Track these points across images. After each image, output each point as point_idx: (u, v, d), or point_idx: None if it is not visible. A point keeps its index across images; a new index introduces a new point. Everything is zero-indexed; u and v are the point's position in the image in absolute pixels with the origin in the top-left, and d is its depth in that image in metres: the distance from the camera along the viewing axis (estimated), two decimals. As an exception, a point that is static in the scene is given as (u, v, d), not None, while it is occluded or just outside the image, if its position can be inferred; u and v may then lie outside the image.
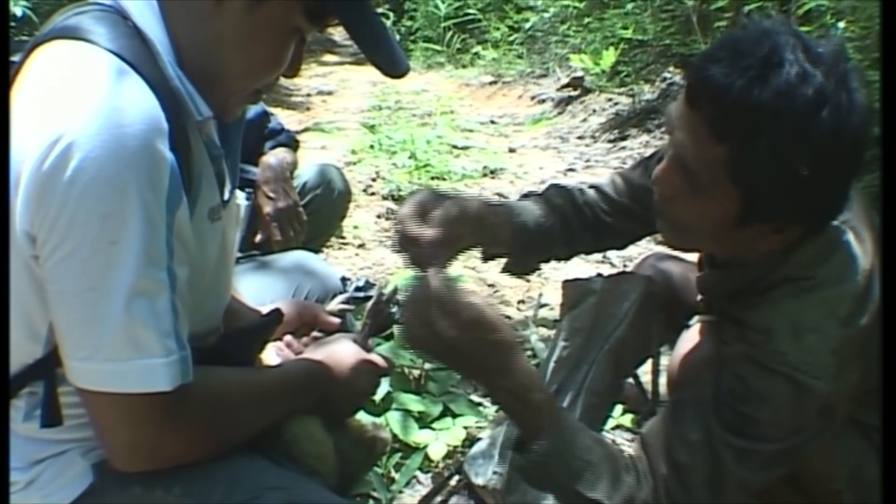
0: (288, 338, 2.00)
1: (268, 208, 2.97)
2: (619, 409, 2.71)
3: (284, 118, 3.28)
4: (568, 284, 2.28)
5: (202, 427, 1.50)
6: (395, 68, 1.63)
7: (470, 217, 1.96)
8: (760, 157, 1.53)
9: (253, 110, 3.15)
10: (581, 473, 1.63)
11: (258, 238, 2.95)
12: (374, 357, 1.87)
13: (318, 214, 3.13)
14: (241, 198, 1.83)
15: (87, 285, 1.34)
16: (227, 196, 1.69)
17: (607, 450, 1.68)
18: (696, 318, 2.16)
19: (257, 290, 2.32)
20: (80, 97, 1.33)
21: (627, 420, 2.72)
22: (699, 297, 2.07)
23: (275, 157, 3.09)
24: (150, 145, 1.35)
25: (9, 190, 1.30)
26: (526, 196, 2.25)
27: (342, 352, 1.83)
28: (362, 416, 2.38)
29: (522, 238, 2.10)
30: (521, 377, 1.62)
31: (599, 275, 2.32)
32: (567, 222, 2.19)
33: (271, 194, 2.99)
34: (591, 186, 2.25)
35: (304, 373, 1.76)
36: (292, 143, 3.25)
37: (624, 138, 6.44)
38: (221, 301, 1.81)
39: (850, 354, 1.64)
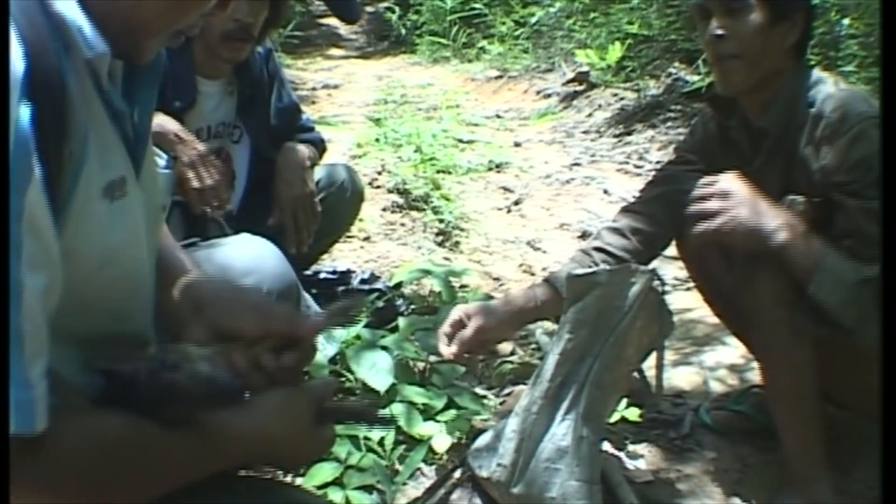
0: (252, 354, 1.44)
1: (284, 194, 2.99)
2: (623, 402, 2.71)
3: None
4: (572, 278, 2.30)
5: (55, 491, 1.17)
6: (349, 13, 1.60)
7: (507, 325, 2.62)
8: None
9: (284, 101, 3.24)
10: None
11: (271, 221, 2.96)
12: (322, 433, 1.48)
13: (330, 214, 3.14)
14: (159, 164, 1.57)
15: None
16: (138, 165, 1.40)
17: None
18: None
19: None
20: None
21: (632, 413, 2.73)
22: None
23: (297, 146, 3.13)
24: None
25: (9, 190, 1.06)
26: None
27: (295, 412, 1.43)
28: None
29: None
30: None
31: (604, 268, 2.35)
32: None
33: (289, 180, 3.01)
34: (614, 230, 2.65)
35: (237, 436, 1.35)
36: (319, 143, 3.30)
37: (629, 133, 6.45)
38: (139, 299, 1.46)
39: None
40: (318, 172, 3.23)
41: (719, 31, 2.33)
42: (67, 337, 1.24)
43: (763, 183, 2.31)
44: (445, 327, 2.54)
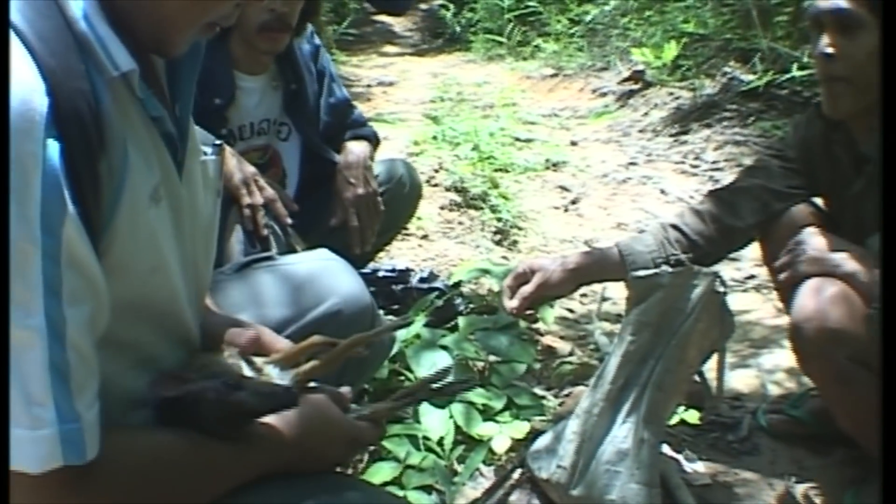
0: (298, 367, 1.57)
1: (347, 193, 3.00)
2: (683, 405, 2.71)
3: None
4: (635, 279, 2.31)
5: None
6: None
7: (568, 282, 2.57)
8: None
9: (335, 96, 3.24)
10: None
11: (333, 221, 2.99)
12: (359, 430, 1.57)
13: (389, 210, 3.13)
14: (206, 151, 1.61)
15: None
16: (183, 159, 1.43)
17: None
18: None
19: (265, 304, 2.10)
20: None
21: (691, 416, 2.73)
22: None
23: (357, 144, 3.14)
24: (14, 146, 1.07)
25: (9, 189, 1.06)
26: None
27: (326, 420, 1.51)
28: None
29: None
30: None
31: (666, 269, 2.35)
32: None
33: (352, 180, 3.02)
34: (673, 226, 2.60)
35: (271, 447, 1.40)
36: (373, 139, 3.29)
37: (685, 132, 6.42)
38: (185, 299, 1.47)
39: None
40: (376, 168, 3.22)
41: (829, 50, 2.25)
42: (117, 345, 1.30)
43: (860, 210, 2.30)
44: (509, 280, 2.58)
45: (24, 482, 1.12)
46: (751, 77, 6.48)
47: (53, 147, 1.10)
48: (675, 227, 2.58)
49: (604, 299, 3.67)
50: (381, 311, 3.19)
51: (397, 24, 14.38)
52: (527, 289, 2.52)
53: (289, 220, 2.78)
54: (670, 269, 2.35)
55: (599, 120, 7.11)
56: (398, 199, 3.28)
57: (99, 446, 1.17)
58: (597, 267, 2.59)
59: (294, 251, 2.72)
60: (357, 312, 2.14)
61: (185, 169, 1.43)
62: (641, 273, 2.33)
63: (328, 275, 2.20)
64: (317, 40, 3.24)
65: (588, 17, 9.13)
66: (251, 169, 2.77)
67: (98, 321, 1.20)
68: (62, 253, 1.10)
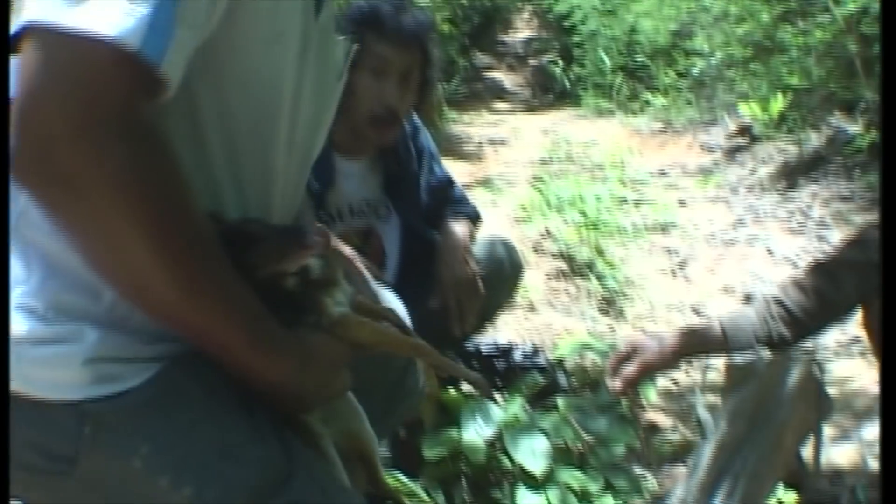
0: None
1: (447, 275, 3.00)
2: (780, 485, 2.72)
3: (457, 170, 3.36)
4: (731, 366, 2.33)
5: (117, 173, 1.05)
6: None
7: (670, 360, 2.56)
8: None
9: (436, 175, 3.26)
10: None
11: (433, 303, 2.98)
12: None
13: (488, 291, 3.12)
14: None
15: None
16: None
17: None
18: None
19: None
20: None
21: (789, 498, 2.73)
22: None
23: (458, 225, 3.14)
24: None
25: (9, 187, 1.12)
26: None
27: (325, 351, 1.39)
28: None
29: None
30: None
31: (762, 356, 2.37)
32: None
33: (452, 262, 3.03)
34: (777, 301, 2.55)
35: (256, 312, 1.25)
36: (474, 217, 3.29)
37: (792, 188, 6.40)
38: (283, 145, 1.41)
39: None
40: (477, 249, 3.21)
41: None
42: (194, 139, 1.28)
43: None
44: (612, 361, 2.60)
45: (47, 49, 1.03)
46: (855, 128, 6.45)
47: None
48: (778, 301, 2.59)
49: (707, 369, 3.67)
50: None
51: (507, 80, 14.52)
52: (630, 370, 2.56)
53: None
54: (767, 355, 2.36)
55: (709, 185, 7.05)
56: (498, 281, 3.26)
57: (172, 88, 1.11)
58: (699, 344, 2.62)
59: None
60: None
61: (323, 15, 1.42)
62: (738, 361, 2.35)
63: None
64: (416, 119, 3.26)
65: (695, 70, 9.12)
66: (350, 254, 2.77)
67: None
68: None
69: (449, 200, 3.29)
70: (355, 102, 2.84)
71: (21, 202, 1.23)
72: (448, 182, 3.34)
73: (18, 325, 1.22)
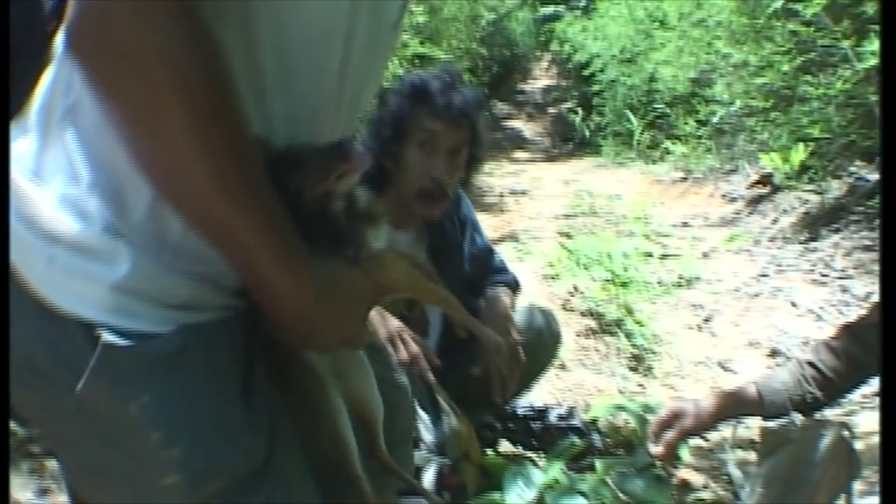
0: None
1: (488, 344, 3.00)
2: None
3: (481, 223, 3.45)
4: (766, 431, 2.45)
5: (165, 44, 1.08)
6: None
7: (709, 423, 2.69)
8: None
9: (477, 245, 3.35)
10: None
11: (475, 371, 3.03)
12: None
13: (527, 358, 3.17)
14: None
15: None
16: None
17: None
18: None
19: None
20: None
21: (822, 555, 2.83)
22: None
23: (499, 293, 3.23)
24: None
25: (8, 185, 1.17)
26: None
27: (349, 288, 1.39)
28: None
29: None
30: None
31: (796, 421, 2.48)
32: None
33: (493, 330, 3.04)
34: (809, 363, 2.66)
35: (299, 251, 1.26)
36: (514, 286, 3.38)
37: (814, 239, 6.49)
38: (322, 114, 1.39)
39: None
40: (517, 317, 3.29)
41: None
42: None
43: None
44: (653, 427, 2.73)
45: None
46: (875, 176, 6.52)
47: None
48: (811, 364, 2.71)
49: (737, 425, 3.76)
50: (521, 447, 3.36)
51: (527, 129, 14.63)
52: (671, 436, 2.69)
53: (431, 378, 2.87)
54: (801, 419, 2.48)
55: (731, 234, 7.09)
56: (537, 349, 3.34)
57: None
58: (736, 407, 2.74)
59: (436, 404, 2.91)
60: None
61: None
62: (772, 426, 2.46)
63: None
64: (459, 189, 3.30)
65: (715, 119, 9.15)
66: (396, 323, 2.87)
67: None
68: None
69: (490, 269, 3.40)
70: (404, 175, 2.95)
71: (72, 94, 1.27)
72: (489, 251, 3.44)
73: (60, 223, 1.24)
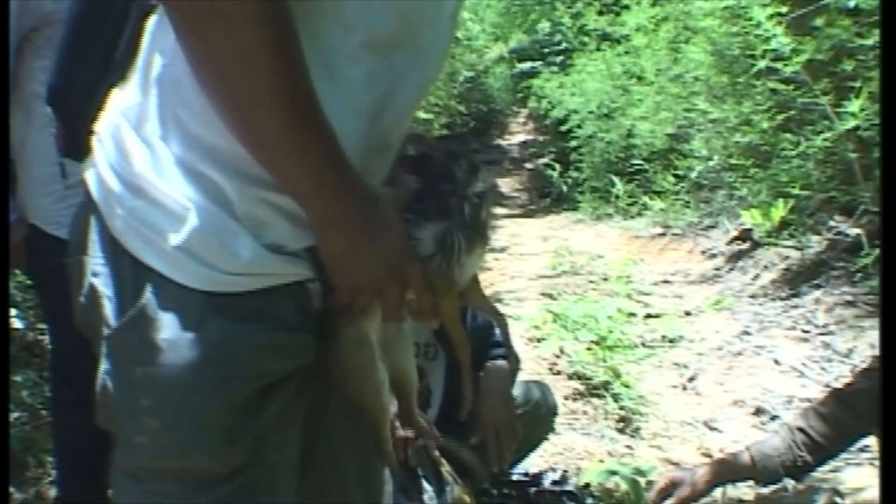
0: None
1: (487, 416, 3.15)
2: None
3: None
4: (761, 497, 2.55)
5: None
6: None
7: (705, 490, 2.85)
8: None
9: (478, 320, 3.38)
10: None
11: (473, 440, 3.15)
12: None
13: (525, 430, 3.29)
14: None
15: None
16: None
17: None
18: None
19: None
20: None
21: None
22: None
23: (498, 367, 3.30)
24: None
25: (8, 183, 1.19)
26: None
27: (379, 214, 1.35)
28: None
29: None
30: None
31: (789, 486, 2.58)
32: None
33: (492, 403, 3.19)
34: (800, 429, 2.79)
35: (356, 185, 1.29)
36: (514, 361, 3.45)
37: (795, 295, 6.54)
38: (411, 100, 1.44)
39: None
40: (515, 390, 3.39)
41: None
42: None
43: None
44: (654, 496, 2.86)
45: None
46: (856, 231, 6.58)
47: None
48: (801, 430, 2.82)
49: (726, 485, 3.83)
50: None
51: (504, 184, 14.71)
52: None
53: (436, 453, 2.95)
54: (793, 485, 2.58)
55: (717, 308, 6.93)
56: (534, 421, 3.45)
57: None
58: (731, 473, 2.85)
59: (438, 471, 2.97)
60: None
61: None
62: (767, 492, 2.56)
63: None
64: None
65: (693, 174, 9.20)
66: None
67: None
68: None
69: (490, 343, 3.44)
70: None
71: (166, 56, 1.32)
72: (490, 326, 3.47)
73: (148, 180, 1.30)
